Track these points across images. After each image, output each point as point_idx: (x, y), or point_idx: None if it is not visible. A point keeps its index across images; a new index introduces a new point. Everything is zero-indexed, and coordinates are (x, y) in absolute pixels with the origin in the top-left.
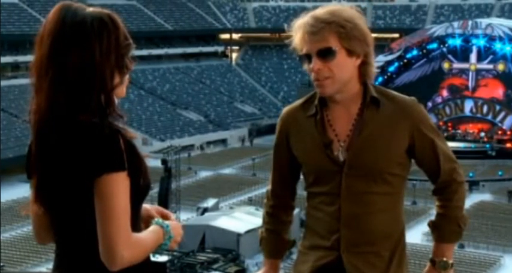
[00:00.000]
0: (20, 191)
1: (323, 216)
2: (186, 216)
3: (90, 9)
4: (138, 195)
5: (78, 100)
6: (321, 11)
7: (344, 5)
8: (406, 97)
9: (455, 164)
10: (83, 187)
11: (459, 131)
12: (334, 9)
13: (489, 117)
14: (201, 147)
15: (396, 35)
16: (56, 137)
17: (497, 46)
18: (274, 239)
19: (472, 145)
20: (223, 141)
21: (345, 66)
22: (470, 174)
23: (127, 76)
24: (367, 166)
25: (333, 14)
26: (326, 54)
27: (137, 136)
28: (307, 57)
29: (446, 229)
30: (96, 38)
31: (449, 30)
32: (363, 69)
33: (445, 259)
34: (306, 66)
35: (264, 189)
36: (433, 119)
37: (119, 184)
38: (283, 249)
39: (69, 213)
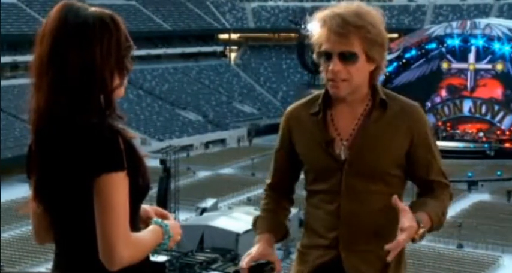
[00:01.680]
0: (19, 191)
1: (322, 214)
2: (185, 216)
3: (92, 9)
4: (137, 195)
5: (77, 100)
6: (347, 11)
7: (367, 6)
8: (411, 101)
9: (445, 174)
10: (82, 186)
11: (458, 131)
12: (361, 11)
13: (488, 117)
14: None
15: (395, 35)
16: (55, 137)
17: (496, 46)
18: (271, 218)
19: (471, 145)
20: (222, 141)
21: (362, 71)
22: (469, 174)
23: (126, 78)
24: (369, 165)
25: (360, 17)
26: (348, 57)
27: (137, 137)
28: (326, 55)
29: (432, 206)
30: (97, 39)
31: (448, 30)
32: (374, 74)
33: (424, 229)
34: (322, 64)
35: (263, 189)
36: (431, 119)
37: (118, 184)
38: (280, 230)
39: (69, 213)
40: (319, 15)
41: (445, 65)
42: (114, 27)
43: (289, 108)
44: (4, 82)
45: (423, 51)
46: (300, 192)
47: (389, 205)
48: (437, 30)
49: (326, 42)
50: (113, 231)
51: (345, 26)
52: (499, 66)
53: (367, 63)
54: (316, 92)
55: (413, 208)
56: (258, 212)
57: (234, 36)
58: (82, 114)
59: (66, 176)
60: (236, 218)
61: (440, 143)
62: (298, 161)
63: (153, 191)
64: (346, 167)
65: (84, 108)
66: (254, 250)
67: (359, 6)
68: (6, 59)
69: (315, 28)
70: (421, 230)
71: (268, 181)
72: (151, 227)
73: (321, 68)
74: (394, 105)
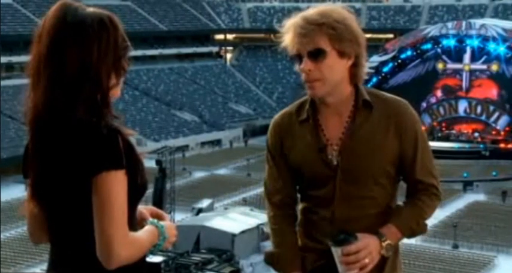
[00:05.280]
0: (15, 192)
1: (317, 219)
2: (181, 216)
3: (91, 9)
4: (135, 194)
5: (75, 99)
6: (312, 11)
7: (336, 5)
8: (399, 98)
9: (435, 174)
10: (80, 185)
11: (453, 131)
12: (325, 10)
13: (483, 117)
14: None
15: (390, 36)
16: (53, 135)
17: (491, 46)
18: (294, 255)
19: (466, 145)
20: (218, 142)
21: (335, 68)
22: (465, 174)
23: (123, 78)
24: (360, 168)
25: (323, 15)
26: (316, 55)
27: (134, 133)
28: (298, 58)
29: (405, 217)
30: (95, 38)
31: (444, 31)
32: (354, 71)
33: (389, 241)
34: (297, 67)
35: (259, 190)
36: (427, 119)
37: (117, 182)
38: (300, 264)
39: (66, 211)
40: (286, 24)
41: (440, 66)
42: (112, 27)
43: (276, 117)
44: None
45: (418, 51)
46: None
47: (384, 208)
48: (433, 30)
49: (295, 45)
50: (111, 229)
51: (307, 26)
52: (494, 67)
53: (340, 59)
54: (303, 98)
55: (390, 217)
56: (254, 213)
57: (230, 36)
58: (79, 112)
59: (64, 174)
60: (232, 219)
61: (436, 144)
62: (294, 169)
63: (149, 191)
64: (339, 172)
65: (81, 106)
66: None
67: (325, 7)
68: (2, 60)
69: (285, 36)
70: (385, 243)
71: (274, 198)
72: (147, 227)
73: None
74: (381, 104)
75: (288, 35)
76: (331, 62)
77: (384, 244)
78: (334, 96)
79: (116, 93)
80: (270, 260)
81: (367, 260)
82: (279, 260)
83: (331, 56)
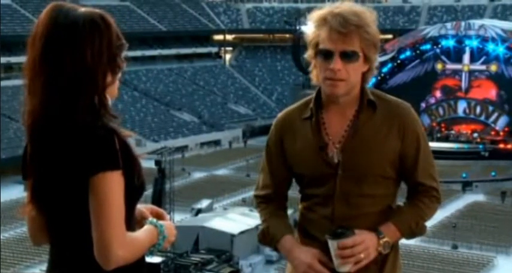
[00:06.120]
0: (14, 192)
1: (316, 217)
2: (180, 217)
3: (82, 9)
4: (132, 195)
5: (71, 101)
6: (346, 10)
7: (360, 6)
8: (401, 101)
9: (435, 176)
10: (78, 186)
11: (452, 132)
12: (359, 11)
13: (482, 118)
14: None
15: (389, 36)
16: (50, 137)
17: (490, 47)
18: (282, 222)
19: (465, 145)
20: (217, 142)
21: (359, 71)
22: (464, 175)
23: (119, 76)
24: (361, 167)
25: (359, 17)
26: (350, 56)
27: (132, 135)
28: (325, 54)
29: (405, 217)
30: (88, 39)
31: (443, 31)
32: (366, 75)
33: (387, 239)
34: (317, 62)
35: None
36: (426, 120)
37: (114, 183)
38: (292, 229)
39: (65, 213)
40: (318, 14)
41: (439, 66)
42: (104, 26)
43: (280, 115)
44: None
45: (418, 52)
46: (295, 193)
47: (384, 207)
48: (432, 31)
49: (327, 41)
50: (109, 230)
51: (346, 25)
52: (493, 67)
53: (364, 64)
54: (309, 96)
55: (390, 216)
56: (253, 214)
57: (229, 37)
58: (77, 114)
59: (62, 176)
60: (231, 219)
61: (435, 144)
62: (291, 167)
63: (148, 192)
64: (339, 171)
65: (79, 108)
66: (309, 257)
67: (354, 6)
68: (1, 60)
69: (311, 27)
70: (382, 241)
71: (261, 192)
72: (146, 226)
73: (311, 67)
74: (384, 106)
75: (319, 29)
76: (359, 65)
77: (381, 241)
78: (347, 97)
79: (112, 92)
80: (261, 235)
81: (362, 255)
82: (268, 232)
83: (360, 60)
